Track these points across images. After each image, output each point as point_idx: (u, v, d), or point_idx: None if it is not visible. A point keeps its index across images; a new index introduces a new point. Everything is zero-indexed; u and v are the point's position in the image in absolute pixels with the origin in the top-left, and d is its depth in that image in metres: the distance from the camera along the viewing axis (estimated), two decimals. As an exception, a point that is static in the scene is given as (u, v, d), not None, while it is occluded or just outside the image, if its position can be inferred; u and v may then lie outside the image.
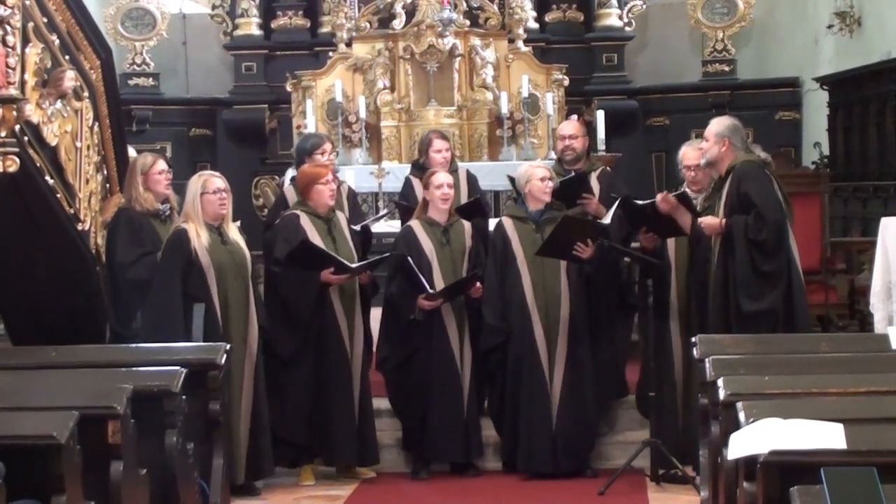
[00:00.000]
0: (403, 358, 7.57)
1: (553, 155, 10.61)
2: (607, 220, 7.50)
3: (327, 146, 8.09)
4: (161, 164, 7.46)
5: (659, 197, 7.24)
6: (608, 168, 8.93)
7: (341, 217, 7.68)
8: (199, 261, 6.98)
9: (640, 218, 7.40)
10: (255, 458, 7.14)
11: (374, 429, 7.60)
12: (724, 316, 6.91)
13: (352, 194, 8.35)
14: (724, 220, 6.92)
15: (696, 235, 7.14)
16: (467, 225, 7.77)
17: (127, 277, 7.17)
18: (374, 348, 7.69)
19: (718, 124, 7.11)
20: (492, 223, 8.37)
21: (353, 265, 7.36)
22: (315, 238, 7.41)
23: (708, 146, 7.08)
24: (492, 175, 10.37)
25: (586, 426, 7.56)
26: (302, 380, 7.42)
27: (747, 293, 6.84)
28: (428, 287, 7.40)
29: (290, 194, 7.98)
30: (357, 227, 7.80)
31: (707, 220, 7.01)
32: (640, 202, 7.41)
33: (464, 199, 8.32)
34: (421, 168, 8.41)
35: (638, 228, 7.48)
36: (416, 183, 8.37)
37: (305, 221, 7.45)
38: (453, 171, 8.43)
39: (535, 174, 7.60)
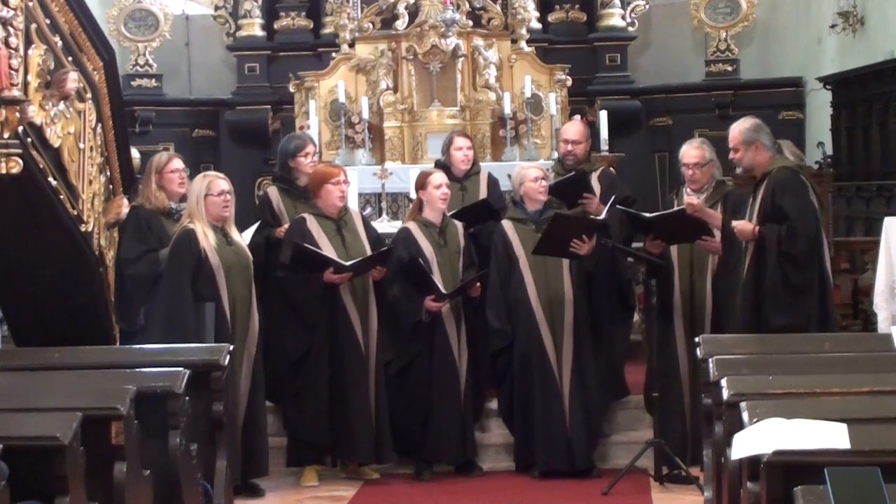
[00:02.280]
0: (408, 361, 7.57)
1: (556, 155, 10.61)
2: (602, 216, 7.52)
3: (311, 148, 8.09)
4: (175, 163, 7.50)
5: (686, 202, 7.22)
6: (610, 168, 8.93)
7: (355, 216, 7.69)
8: (208, 261, 6.99)
9: (646, 226, 7.40)
10: (249, 458, 7.14)
11: (388, 426, 7.60)
12: (755, 324, 6.87)
13: (492, 180, 8.47)
14: (757, 228, 6.87)
15: (727, 235, 7.09)
16: (459, 225, 7.78)
17: (128, 273, 7.20)
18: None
19: (742, 131, 6.95)
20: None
21: (347, 263, 7.35)
22: (322, 239, 7.43)
23: (740, 154, 6.93)
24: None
25: (592, 425, 7.57)
26: (319, 381, 7.43)
27: (776, 306, 6.81)
28: (441, 288, 7.40)
29: (273, 195, 8.00)
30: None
31: (740, 225, 6.94)
32: (647, 215, 7.40)
33: None
34: (443, 167, 8.40)
35: (644, 235, 7.47)
36: None
37: (312, 224, 7.46)
38: (475, 172, 8.47)
39: (528, 175, 7.62)
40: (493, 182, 8.60)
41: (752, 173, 7.06)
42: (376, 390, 7.51)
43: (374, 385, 7.50)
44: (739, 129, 6.98)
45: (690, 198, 7.27)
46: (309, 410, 7.46)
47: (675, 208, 7.37)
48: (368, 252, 7.50)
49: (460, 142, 8.45)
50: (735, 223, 6.97)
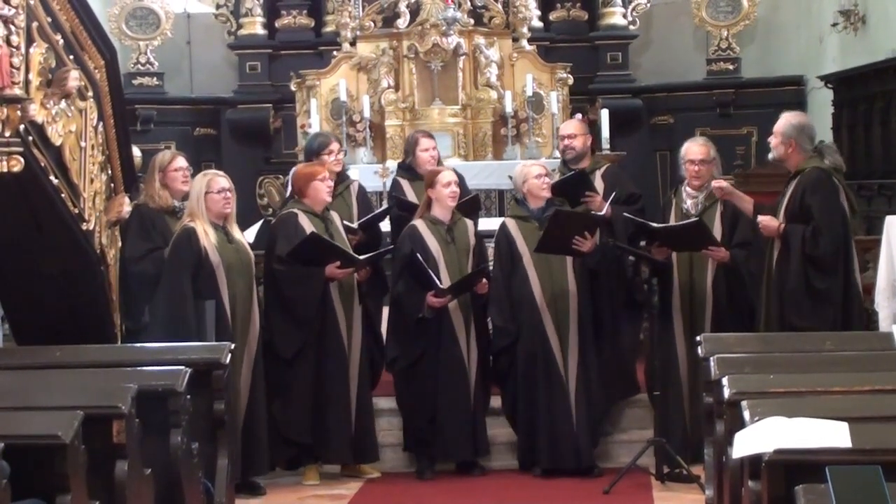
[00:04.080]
0: (414, 358, 7.56)
1: (558, 154, 10.62)
2: (604, 212, 7.53)
3: (335, 146, 8.12)
4: (179, 162, 7.55)
5: (714, 185, 7.23)
6: (615, 165, 8.93)
7: (335, 216, 7.70)
8: (208, 259, 7.01)
9: (652, 234, 7.40)
10: (250, 457, 7.14)
11: (373, 426, 7.60)
12: (779, 324, 6.91)
13: (362, 192, 8.36)
14: (782, 225, 6.91)
15: (756, 223, 7.14)
16: (470, 223, 7.78)
17: (133, 272, 7.24)
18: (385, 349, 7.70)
19: (786, 124, 7.08)
20: (496, 222, 8.38)
21: (362, 257, 7.38)
22: (313, 235, 7.44)
23: (777, 142, 7.07)
24: (496, 174, 10.37)
25: (595, 423, 7.57)
26: (305, 379, 7.42)
27: (797, 310, 6.85)
28: (439, 283, 7.40)
29: None
30: (354, 226, 7.83)
31: (766, 221, 6.99)
32: (655, 225, 7.39)
33: None
34: (408, 168, 8.43)
35: (650, 242, 7.46)
36: (406, 184, 8.38)
37: (304, 219, 7.47)
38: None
39: (531, 172, 7.63)
40: (459, 178, 8.60)
41: (783, 165, 7.15)
42: (359, 390, 7.51)
43: (355, 385, 7.50)
44: (787, 120, 7.12)
45: (718, 181, 7.27)
46: (293, 408, 7.42)
47: (689, 220, 7.34)
48: (350, 249, 7.52)
49: (426, 143, 8.41)
50: (761, 218, 7.02)
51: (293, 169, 8.14)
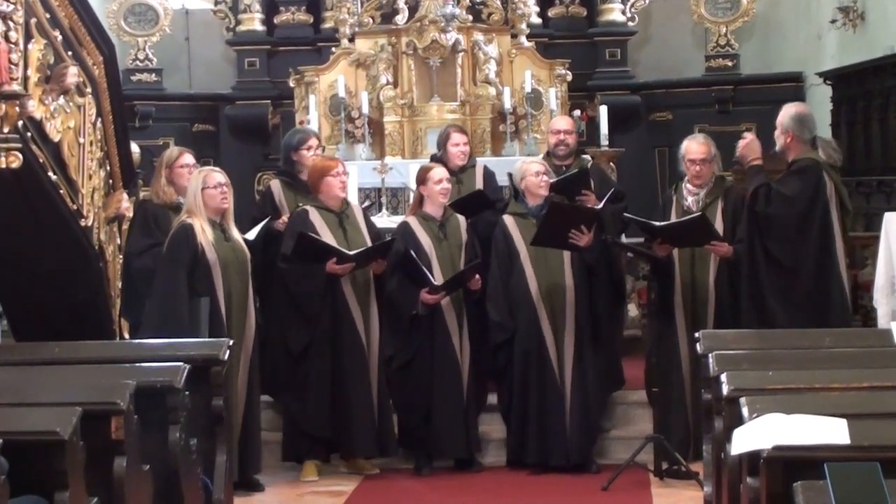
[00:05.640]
0: (410, 356, 7.56)
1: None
2: (599, 206, 7.53)
3: (313, 141, 8.14)
4: (186, 158, 7.57)
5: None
6: (598, 164, 8.98)
7: (356, 209, 7.71)
8: (205, 256, 7.01)
9: (654, 231, 7.41)
10: (246, 455, 7.14)
11: (391, 420, 7.60)
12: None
13: (488, 173, 8.46)
14: (749, 191, 7.00)
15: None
16: (461, 219, 7.79)
17: (135, 267, 7.26)
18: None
19: (784, 115, 7.13)
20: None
21: (351, 253, 7.36)
22: (325, 232, 7.44)
23: (777, 133, 7.13)
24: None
25: (592, 420, 7.56)
26: (320, 373, 7.44)
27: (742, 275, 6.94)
28: (433, 280, 7.40)
29: (276, 188, 8.04)
30: None
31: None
32: (657, 224, 7.39)
33: None
34: (439, 162, 8.42)
35: (652, 239, 7.46)
36: None
37: (315, 216, 7.48)
38: (471, 165, 8.50)
39: (530, 170, 7.63)
40: (489, 175, 8.64)
41: (786, 158, 7.19)
42: (378, 384, 7.52)
43: (375, 378, 7.51)
44: (786, 111, 7.16)
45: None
46: (310, 403, 7.46)
47: (691, 216, 7.34)
48: (369, 244, 7.51)
49: (457, 137, 8.48)
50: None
51: (284, 164, 8.16)
